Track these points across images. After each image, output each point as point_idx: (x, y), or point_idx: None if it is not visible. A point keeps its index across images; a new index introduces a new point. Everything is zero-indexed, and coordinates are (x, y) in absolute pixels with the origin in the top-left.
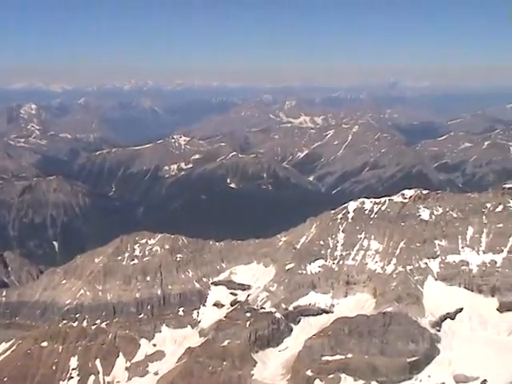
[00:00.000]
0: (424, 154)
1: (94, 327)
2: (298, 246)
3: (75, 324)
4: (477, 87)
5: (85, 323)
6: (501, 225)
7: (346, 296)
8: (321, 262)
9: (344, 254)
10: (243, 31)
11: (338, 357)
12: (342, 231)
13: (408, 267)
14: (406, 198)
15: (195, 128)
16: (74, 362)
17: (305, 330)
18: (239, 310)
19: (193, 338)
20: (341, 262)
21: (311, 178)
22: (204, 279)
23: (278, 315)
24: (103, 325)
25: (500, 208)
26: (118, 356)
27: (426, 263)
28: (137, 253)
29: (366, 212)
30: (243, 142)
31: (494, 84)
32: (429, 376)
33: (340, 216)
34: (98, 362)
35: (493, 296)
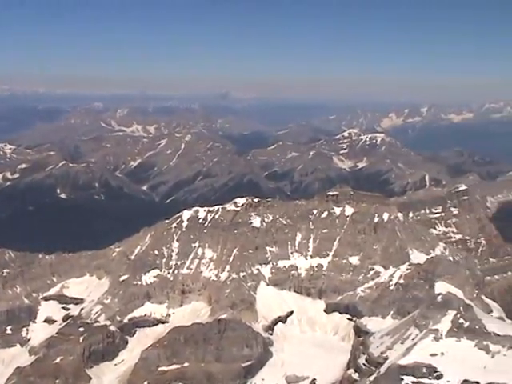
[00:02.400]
0: (254, 163)
1: None
2: (133, 257)
3: None
4: (302, 99)
5: None
6: (326, 230)
7: (181, 305)
8: (156, 271)
9: (179, 263)
10: (70, 38)
11: (174, 366)
12: (177, 240)
13: (241, 274)
14: (238, 206)
15: (21, 136)
16: None
17: (141, 342)
18: (72, 325)
19: (22, 356)
20: (176, 272)
21: (145, 188)
22: (33, 294)
23: (112, 328)
24: None
25: (325, 214)
26: None
27: (258, 269)
28: None
29: (200, 221)
30: (73, 150)
31: (318, 96)
32: (262, 379)
33: (174, 225)
34: None
35: (320, 298)
